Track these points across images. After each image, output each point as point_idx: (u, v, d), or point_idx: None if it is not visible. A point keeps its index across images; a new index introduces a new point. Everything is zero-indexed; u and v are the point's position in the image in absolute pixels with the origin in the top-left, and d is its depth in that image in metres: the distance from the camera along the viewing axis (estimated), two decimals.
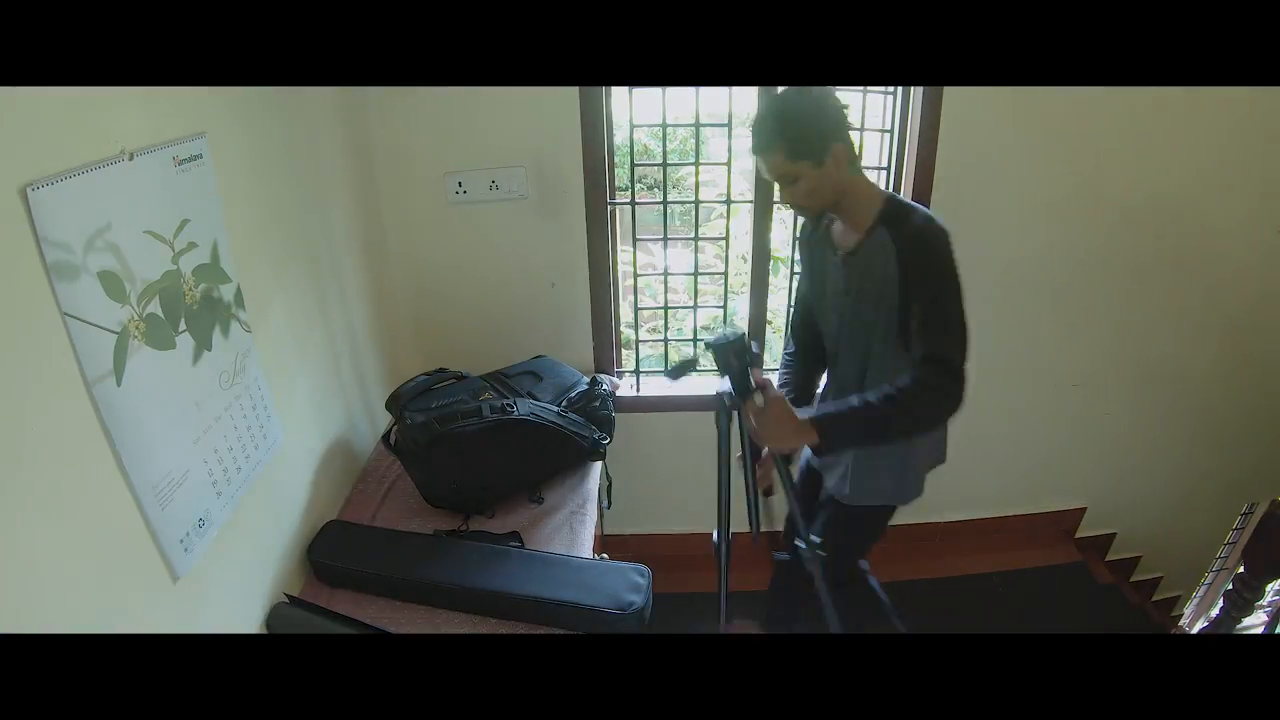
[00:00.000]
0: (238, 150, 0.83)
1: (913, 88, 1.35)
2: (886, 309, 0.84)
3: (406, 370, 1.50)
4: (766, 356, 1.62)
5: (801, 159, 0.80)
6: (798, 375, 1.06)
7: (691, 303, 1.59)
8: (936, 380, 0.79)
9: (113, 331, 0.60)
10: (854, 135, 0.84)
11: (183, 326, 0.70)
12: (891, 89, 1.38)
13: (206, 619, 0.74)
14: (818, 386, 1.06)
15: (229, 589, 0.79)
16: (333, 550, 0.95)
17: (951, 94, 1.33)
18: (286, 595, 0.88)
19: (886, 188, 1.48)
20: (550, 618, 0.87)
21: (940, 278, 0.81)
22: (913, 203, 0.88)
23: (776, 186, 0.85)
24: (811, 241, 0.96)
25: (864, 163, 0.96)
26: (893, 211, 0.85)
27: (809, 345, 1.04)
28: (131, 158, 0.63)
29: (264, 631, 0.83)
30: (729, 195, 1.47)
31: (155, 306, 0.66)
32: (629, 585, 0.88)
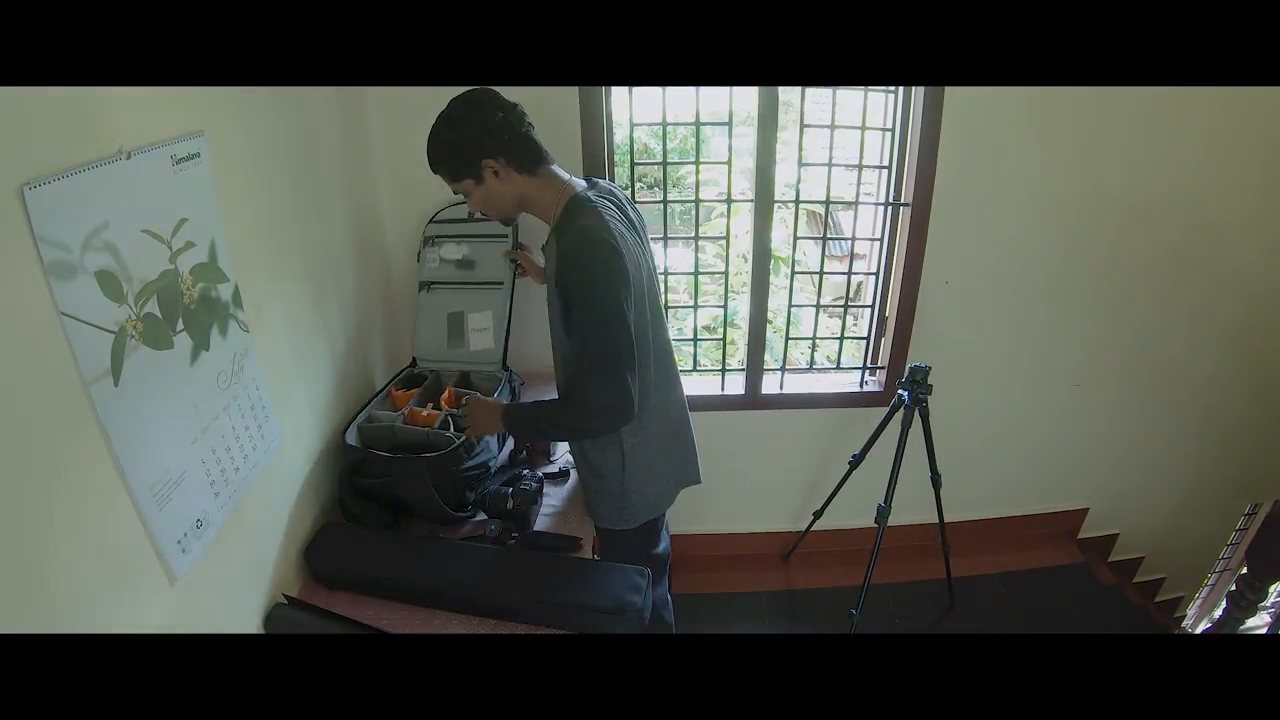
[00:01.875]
0: (236, 149, 0.82)
1: (914, 87, 1.34)
2: (558, 321, 0.89)
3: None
4: (768, 356, 1.61)
5: (460, 179, 0.89)
6: None
7: (692, 302, 1.59)
8: (571, 408, 0.89)
9: (110, 331, 0.60)
10: (519, 140, 0.87)
11: (180, 326, 0.70)
12: (893, 88, 1.38)
13: (204, 620, 0.73)
14: None
15: (227, 590, 0.79)
16: (329, 552, 0.95)
17: (953, 93, 1.32)
18: (285, 596, 0.88)
19: (887, 187, 1.49)
20: (549, 618, 0.87)
21: (584, 304, 0.83)
22: (592, 205, 0.88)
23: None
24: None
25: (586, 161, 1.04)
26: (564, 216, 0.89)
27: None
28: (129, 156, 0.63)
29: (262, 633, 0.83)
30: (729, 194, 1.47)
31: (153, 306, 0.66)
32: (629, 585, 0.88)
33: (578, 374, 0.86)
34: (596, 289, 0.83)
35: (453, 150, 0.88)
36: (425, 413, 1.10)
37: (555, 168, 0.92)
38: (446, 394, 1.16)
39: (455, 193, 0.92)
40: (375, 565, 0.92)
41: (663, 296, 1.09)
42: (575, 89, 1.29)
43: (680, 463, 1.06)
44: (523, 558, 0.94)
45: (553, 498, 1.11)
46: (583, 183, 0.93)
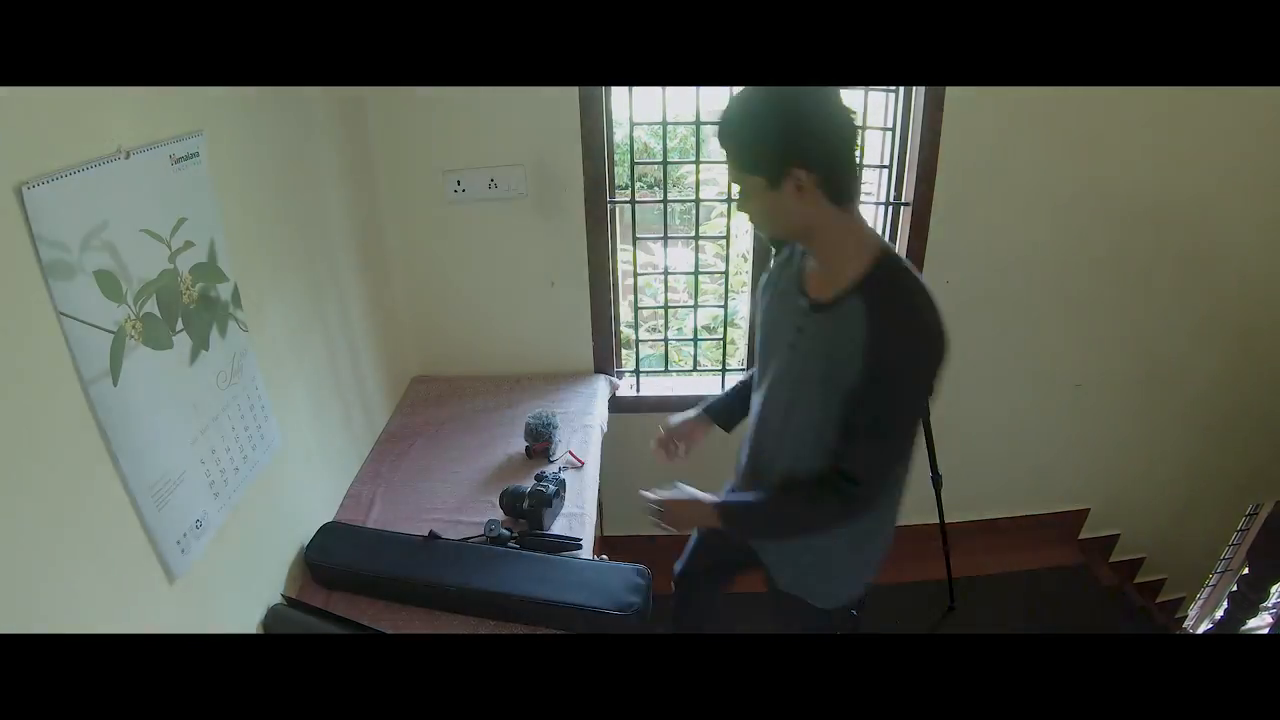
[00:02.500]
0: (235, 148, 0.82)
1: (915, 86, 1.34)
2: (831, 389, 0.71)
3: (405, 370, 1.50)
4: None
5: (750, 172, 0.68)
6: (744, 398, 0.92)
7: (692, 302, 1.59)
8: (838, 493, 0.72)
9: (109, 331, 0.60)
10: (841, 164, 0.68)
11: (180, 326, 0.70)
12: (893, 87, 1.37)
13: (204, 620, 0.73)
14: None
15: (226, 590, 0.79)
16: (329, 551, 0.95)
17: (954, 92, 1.32)
18: (284, 597, 0.88)
19: (888, 186, 1.48)
20: (549, 618, 0.86)
21: (902, 386, 0.68)
22: (910, 268, 0.71)
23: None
24: (784, 270, 0.81)
25: (869, 192, 0.81)
26: (879, 278, 0.69)
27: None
28: (128, 156, 0.63)
29: (261, 633, 0.83)
30: (729, 194, 1.46)
31: (152, 306, 0.65)
32: (629, 586, 0.88)
33: (862, 456, 0.71)
34: (922, 383, 0.68)
35: (763, 133, 0.66)
36: None
37: (859, 207, 0.73)
38: None
39: (731, 181, 0.72)
40: (374, 565, 0.92)
41: None
42: (575, 88, 1.29)
43: (886, 535, 0.89)
44: (522, 558, 0.94)
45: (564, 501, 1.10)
46: (879, 233, 0.74)
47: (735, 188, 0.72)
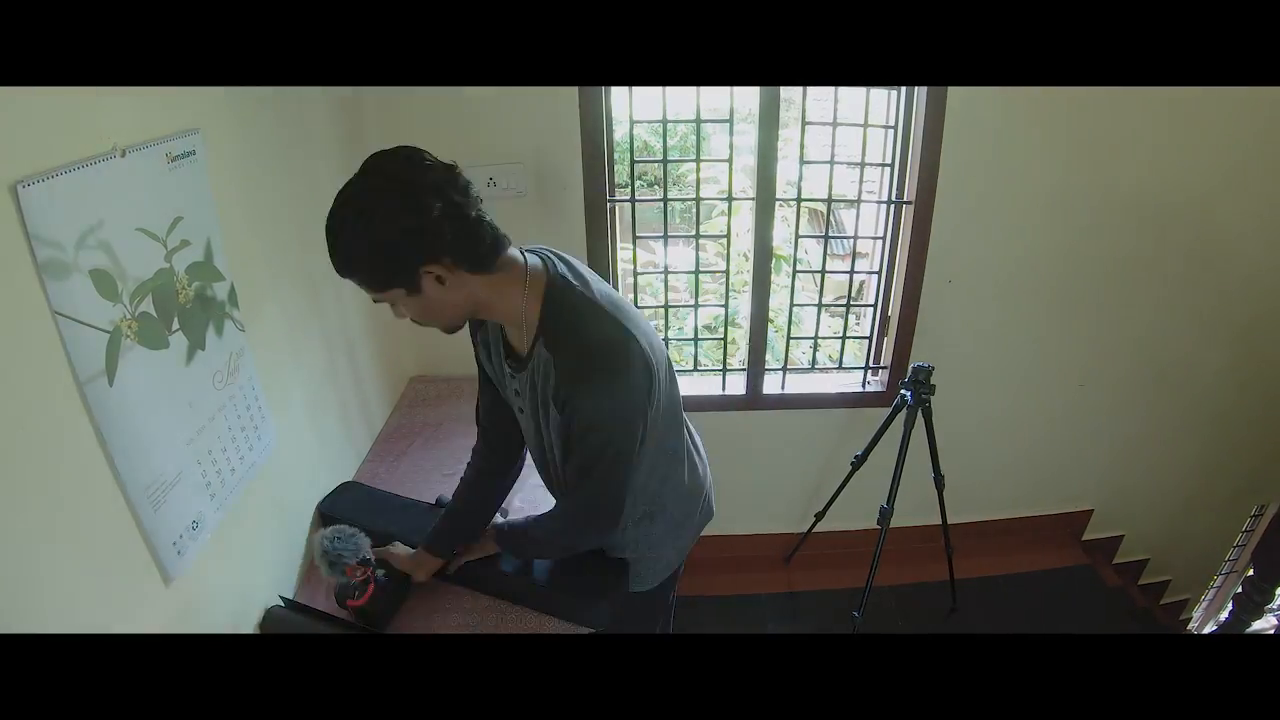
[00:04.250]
0: (232, 146, 0.82)
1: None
2: (563, 431, 0.72)
3: (403, 369, 1.50)
4: (769, 356, 1.61)
5: (388, 289, 0.65)
6: (483, 474, 0.90)
7: (693, 301, 1.58)
8: (586, 520, 0.78)
9: (105, 331, 0.59)
10: (468, 230, 0.63)
11: (176, 325, 0.69)
12: (895, 86, 1.37)
13: (200, 622, 0.73)
14: (511, 477, 0.92)
15: (223, 591, 0.78)
16: (340, 505, 1.02)
17: (956, 90, 1.31)
18: (281, 598, 0.87)
19: (890, 185, 1.47)
20: (523, 596, 0.90)
21: (599, 427, 0.68)
22: (574, 290, 0.70)
23: None
24: (488, 337, 0.79)
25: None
26: (549, 322, 0.69)
27: (497, 435, 0.87)
28: (124, 154, 0.62)
29: (258, 633, 0.83)
30: (730, 192, 1.46)
31: (148, 305, 0.65)
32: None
33: (580, 493, 0.75)
34: (617, 408, 0.68)
35: (373, 253, 0.62)
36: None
37: (511, 250, 0.69)
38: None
39: (375, 301, 0.67)
40: (378, 522, 0.96)
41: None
42: (575, 87, 1.28)
43: (703, 513, 0.92)
44: None
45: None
46: (536, 259, 0.71)
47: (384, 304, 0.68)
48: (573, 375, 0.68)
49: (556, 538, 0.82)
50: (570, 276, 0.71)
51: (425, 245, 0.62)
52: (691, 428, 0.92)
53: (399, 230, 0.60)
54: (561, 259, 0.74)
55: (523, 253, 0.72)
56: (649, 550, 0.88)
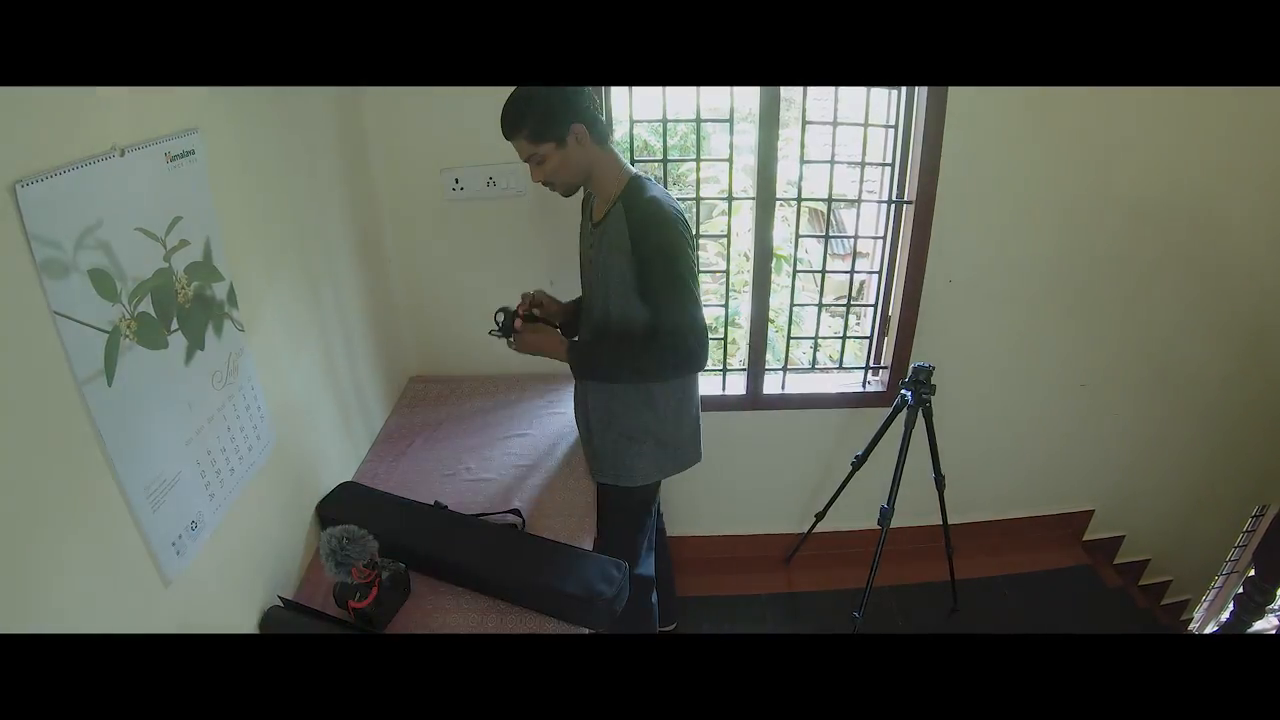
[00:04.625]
0: (231, 146, 0.82)
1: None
2: (619, 274, 0.95)
3: (402, 369, 1.50)
4: (770, 356, 1.60)
5: (544, 141, 0.90)
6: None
7: None
8: (670, 340, 0.92)
9: (104, 331, 0.59)
10: (597, 113, 0.92)
11: (175, 325, 0.69)
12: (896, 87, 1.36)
13: (199, 623, 0.73)
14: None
15: (222, 592, 0.78)
16: (344, 506, 1.03)
17: (957, 90, 1.31)
18: (280, 598, 0.87)
19: (890, 185, 1.48)
20: (521, 596, 0.90)
21: (662, 248, 0.91)
22: (652, 183, 0.97)
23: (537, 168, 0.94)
24: (584, 209, 1.08)
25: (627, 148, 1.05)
26: (631, 190, 0.95)
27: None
28: (123, 154, 0.62)
29: (256, 633, 0.82)
30: (730, 192, 1.45)
31: (147, 305, 0.65)
32: (602, 576, 0.89)
33: (669, 313, 0.91)
34: (679, 244, 0.91)
35: (546, 107, 0.88)
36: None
37: (612, 144, 0.98)
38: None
39: (525, 158, 0.93)
40: (385, 526, 0.95)
41: None
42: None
43: (697, 438, 1.13)
44: (514, 537, 0.98)
45: (569, 492, 1.11)
46: (623, 159, 0.99)
47: (529, 165, 0.94)
48: (644, 219, 0.92)
49: (632, 358, 0.97)
50: (646, 177, 0.99)
51: (580, 107, 0.90)
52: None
53: (563, 95, 0.89)
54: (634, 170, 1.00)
55: (629, 166, 1.00)
56: (660, 433, 1.06)
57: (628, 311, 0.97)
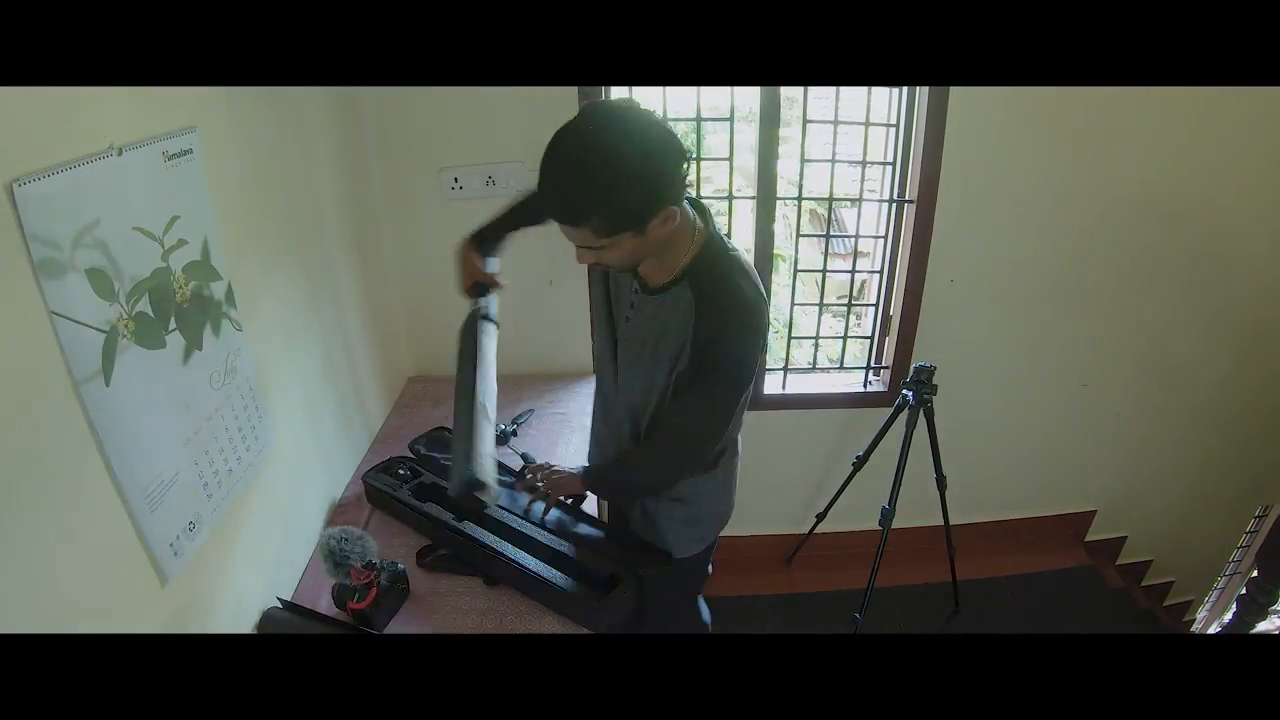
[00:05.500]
0: (229, 145, 0.81)
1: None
2: (673, 360, 0.76)
3: (401, 369, 1.50)
4: (770, 357, 1.60)
5: (619, 233, 0.65)
6: None
7: None
8: (679, 444, 0.80)
9: (101, 330, 0.59)
10: (684, 177, 0.66)
11: (173, 325, 0.69)
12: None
13: (197, 624, 0.72)
14: None
15: (220, 593, 0.78)
16: (382, 478, 1.08)
17: (958, 89, 1.31)
18: (279, 599, 0.87)
19: (891, 184, 1.47)
20: (532, 587, 0.91)
21: (731, 354, 0.72)
22: (727, 245, 0.75)
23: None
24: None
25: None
26: (706, 261, 0.73)
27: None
28: (120, 153, 0.62)
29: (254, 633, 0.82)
30: (730, 191, 1.45)
31: (145, 305, 0.65)
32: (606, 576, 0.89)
33: (694, 416, 0.77)
34: (749, 353, 0.73)
35: (632, 196, 0.62)
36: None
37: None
38: None
39: (580, 244, 0.68)
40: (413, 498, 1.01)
41: None
42: (574, 86, 1.28)
43: (727, 501, 0.98)
44: (534, 528, 0.97)
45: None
46: (692, 210, 0.75)
47: (577, 247, 0.69)
48: (724, 310, 0.71)
49: (653, 464, 0.84)
50: (722, 236, 0.76)
51: (668, 189, 0.63)
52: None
53: (661, 173, 0.61)
54: (707, 212, 0.77)
55: (696, 219, 0.76)
56: (703, 503, 0.90)
57: (642, 394, 0.81)
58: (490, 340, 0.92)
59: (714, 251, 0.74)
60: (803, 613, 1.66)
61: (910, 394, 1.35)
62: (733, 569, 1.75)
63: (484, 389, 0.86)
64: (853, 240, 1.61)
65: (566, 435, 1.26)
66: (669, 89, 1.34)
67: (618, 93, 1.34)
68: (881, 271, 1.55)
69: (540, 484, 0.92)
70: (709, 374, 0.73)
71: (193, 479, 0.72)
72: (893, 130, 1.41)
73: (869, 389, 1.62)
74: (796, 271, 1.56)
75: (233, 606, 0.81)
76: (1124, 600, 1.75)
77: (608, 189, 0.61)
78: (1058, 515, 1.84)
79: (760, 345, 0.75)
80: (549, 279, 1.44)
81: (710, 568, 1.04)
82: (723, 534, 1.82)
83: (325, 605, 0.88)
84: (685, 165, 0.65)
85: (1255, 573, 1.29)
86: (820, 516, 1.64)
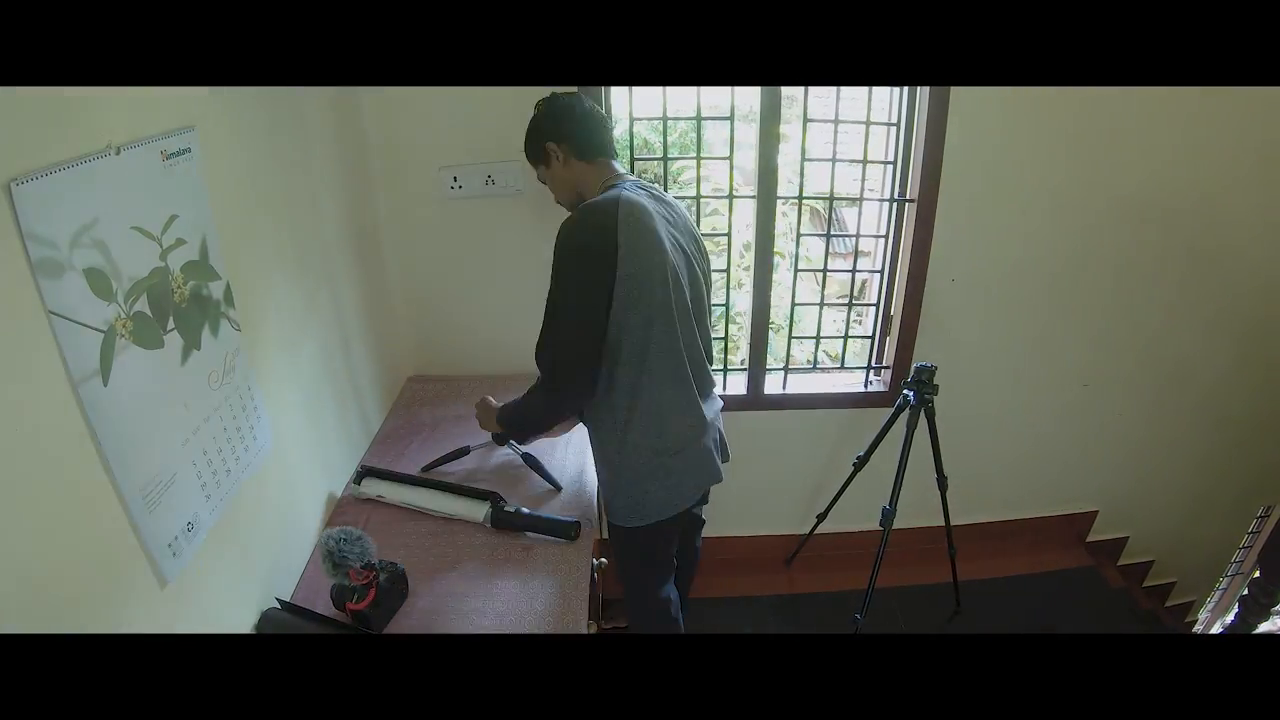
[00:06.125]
0: (228, 144, 0.81)
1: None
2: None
3: (400, 369, 1.50)
4: (770, 356, 1.60)
5: (535, 162, 1.01)
6: None
7: None
8: (539, 387, 0.95)
9: (99, 330, 0.59)
10: (578, 129, 0.95)
11: (171, 325, 0.69)
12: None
13: (195, 625, 0.72)
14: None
15: (219, 594, 0.78)
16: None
17: (959, 88, 1.30)
18: (278, 600, 0.87)
19: (892, 183, 1.47)
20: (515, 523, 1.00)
21: (555, 274, 0.89)
22: (620, 188, 0.91)
23: None
24: None
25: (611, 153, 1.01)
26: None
27: None
28: (118, 152, 0.62)
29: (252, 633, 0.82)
30: (730, 189, 1.45)
31: (143, 304, 0.64)
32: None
33: (542, 344, 0.92)
34: (569, 267, 0.87)
35: (529, 131, 0.99)
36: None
37: (615, 163, 0.98)
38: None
39: (540, 180, 1.03)
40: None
41: (707, 299, 1.02)
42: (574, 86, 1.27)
43: (697, 467, 1.00)
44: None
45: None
46: (626, 182, 0.95)
47: (543, 182, 1.03)
48: (561, 230, 0.89)
49: (525, 403, 1.00)
50: (631, 187, 0.92)
51: (548, 129, 0.97)
52: (706, 386, 1.02)
53: (546, 115, 0.98)
54: (648, 193, 0.95)
55: (629, 177, 0.97)
56: (629, 472, 0.98)
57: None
58: None
59: (601, 194, 0.91)
60: (803, 613, 1.66)
61: (911, 394, 1.35)
62: (733, 569, 1.75)
63: None
64: (853, 239, 1.61)
65: (567, 434, 1.26)
66: (669, 89, 1.33)
67: (618, 91, 1.34)
68: (882, 271, 1.54)
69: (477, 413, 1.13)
70: (550, 298, 0.90)
71: (191, 479, 0.71)
72: (893, 129, 1.41)
73: (870, 389, 1.62)
74: (797, 270, 1.56)
75: (232, 607, 0.80)
76: (1125, 601, 1.74)
77: (527, 136, 1.00)
78: (1059, 515, 1.84)
79: (574, 262, 0.87)
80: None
81: (689, 561, 1.20)
82: (723, 534, 1.84)
83: (324, 606, 0.88)
84: (575, 123, 0.95)
85: (1257, 573, 1.29)
86: (821, 517, 1.63)
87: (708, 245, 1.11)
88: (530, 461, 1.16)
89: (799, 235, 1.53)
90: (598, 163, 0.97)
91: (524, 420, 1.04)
